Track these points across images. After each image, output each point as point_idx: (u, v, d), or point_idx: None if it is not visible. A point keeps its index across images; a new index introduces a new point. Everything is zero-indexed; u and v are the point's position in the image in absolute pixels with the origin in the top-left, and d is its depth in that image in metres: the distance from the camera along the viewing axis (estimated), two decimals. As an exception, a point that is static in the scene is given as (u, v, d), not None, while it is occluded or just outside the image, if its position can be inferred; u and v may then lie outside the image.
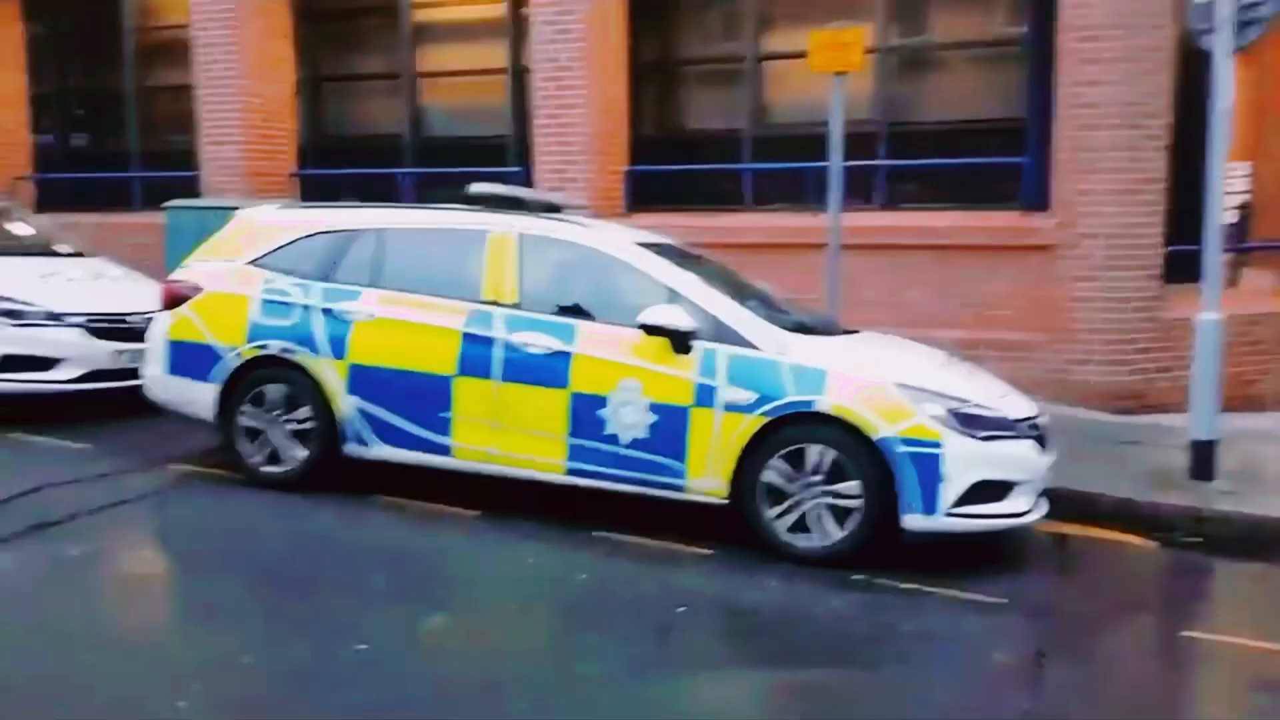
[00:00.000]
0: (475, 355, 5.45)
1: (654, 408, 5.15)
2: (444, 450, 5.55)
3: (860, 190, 8.70)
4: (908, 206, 9.29)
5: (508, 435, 5.43)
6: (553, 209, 6.25)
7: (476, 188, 6.01)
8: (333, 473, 5.77)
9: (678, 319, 5.12)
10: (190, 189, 10.64)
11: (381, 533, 5.24)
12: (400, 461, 5.67)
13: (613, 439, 5.22)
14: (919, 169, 9.30)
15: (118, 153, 12.22)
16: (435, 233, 5.90)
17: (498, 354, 5.42)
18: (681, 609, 4.36)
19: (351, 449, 5.72)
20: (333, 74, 11.69)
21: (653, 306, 5.18)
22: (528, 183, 9.47)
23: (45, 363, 7.00)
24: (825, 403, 4.91)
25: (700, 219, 9.39)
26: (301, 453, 5.75)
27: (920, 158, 9.19)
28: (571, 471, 5.34)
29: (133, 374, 7.04)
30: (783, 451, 4.98)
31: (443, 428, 5.53)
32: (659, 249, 5.73)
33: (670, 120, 10.49)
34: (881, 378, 4.99)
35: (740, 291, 5.68)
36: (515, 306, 5.49)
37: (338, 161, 11.28)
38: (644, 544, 5.12)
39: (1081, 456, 6.14)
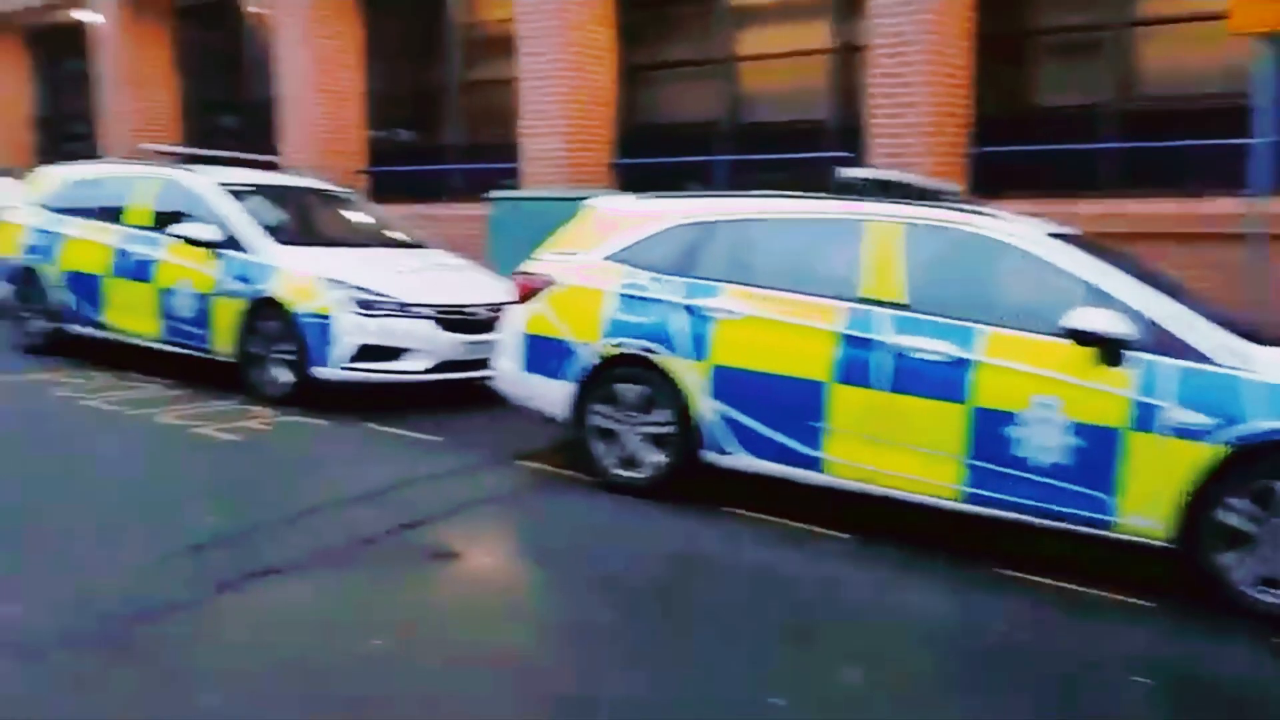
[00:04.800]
0: (855, 360, 4.87)
1: (1076, 429, 4.37)
2: (813, 464, 5.02)
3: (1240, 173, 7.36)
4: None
5: (890, 452, 4.81)
6: (930, 195, 5.56)
7: (846, 173, 5.41)
8: (684, 481, 5.39)
9: (1114, 324, 4.30)
10: (510, 181, 10.72)
11: (756, 553, 4.75)
12: (761, 472, 5.19)
13: (1021, 463, 4.49)
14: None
15: (441, 146, 12.61)
16: (805, 223, 5.35)
17: (882, 360, 4.81)
18: (1142, 680, 3.58)
19: (710, 456, 5.30)
20: (647, 61, 11.47)
21: (1080, 309, 4.39)
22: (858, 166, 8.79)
23: (399, 353, 7.08)
24: (1314, 433, 3.96)
25: (1053, 205, 8.32)
26: (658, 458, 5.39)
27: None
28: (968, 497, 4.66)
29: (477, 365, 7.05)
30: (1250, 488, 4.08)
31: (813, 439, 4.99)
32: (1073, 241, 4.91)
33: (1018, 96, 9.45)
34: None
35: (1167, 291, 4.76)
36: (902, 306, 4.86)
37: (652, 149, 11.05)
38: (1064, 589, 4.35)
39: None
